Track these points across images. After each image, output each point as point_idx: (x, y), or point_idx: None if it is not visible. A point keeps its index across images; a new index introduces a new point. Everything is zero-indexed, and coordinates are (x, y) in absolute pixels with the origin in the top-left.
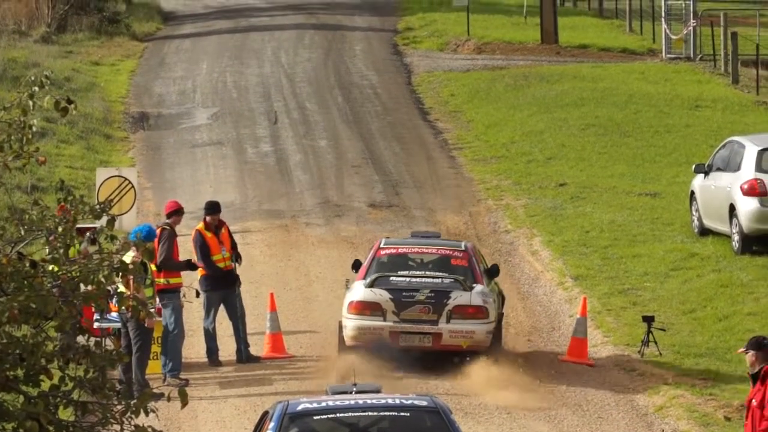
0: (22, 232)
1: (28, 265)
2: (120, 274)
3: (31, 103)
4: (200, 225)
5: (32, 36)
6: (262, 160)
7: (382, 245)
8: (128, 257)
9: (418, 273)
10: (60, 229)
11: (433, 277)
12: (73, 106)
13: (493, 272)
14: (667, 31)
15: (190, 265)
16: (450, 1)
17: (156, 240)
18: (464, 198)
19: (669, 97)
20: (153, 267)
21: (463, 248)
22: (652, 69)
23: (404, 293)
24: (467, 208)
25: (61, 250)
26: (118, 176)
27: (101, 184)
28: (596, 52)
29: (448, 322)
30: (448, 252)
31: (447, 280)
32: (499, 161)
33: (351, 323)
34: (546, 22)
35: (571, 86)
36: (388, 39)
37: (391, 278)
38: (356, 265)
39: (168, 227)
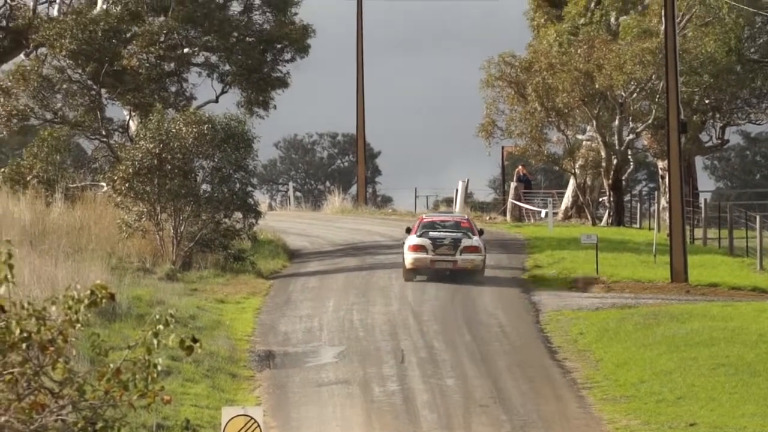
0: None
1: None
2: None
3: (155, 341)
4: None
5: (157, 273)
6: (389, 399)
7: (424, 217)
8: None
9: (443, 230)
10: None
11: (452, 232)
12: (198, 344)
13: (480, 232)
14: None
15: None
16: (578, 239)
17: None
18: None
19: None
20: None
21: (466, 218)
22: None
23: (437, 240)
24: None
25: None
26: (244, 415)
27: (227, 423)
28: (726, 290)
29: (460, 254)
30: (458, 220)
31: (459, 233)
32: (628, 401)
33: (410, 256)
34: (676, 260)
35: (700, 325)
36: (516, 277)
37: (430, 233)
38: (408, 230)
39: None
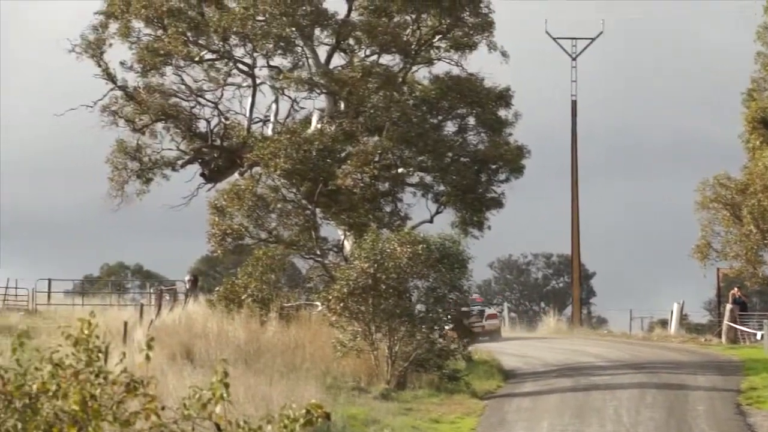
0: None
1: None
2: None
3: None
4: None
5: (371, 392)
6: None
7: None
8: None
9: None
10: None
11: (476, 306)
12: None
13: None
14: None
15: None
16: None
17: None
18: None
19: None
20: None
21: (478, 294)
22: None
23: (469, 312)
24: None
25: None
26: None
27: None
28: None
29: (486, 320)
30: (474, 297)
31: (481, 306)
32: None
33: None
34: None
35: None
36: (732, 399)
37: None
38: None
39: None
